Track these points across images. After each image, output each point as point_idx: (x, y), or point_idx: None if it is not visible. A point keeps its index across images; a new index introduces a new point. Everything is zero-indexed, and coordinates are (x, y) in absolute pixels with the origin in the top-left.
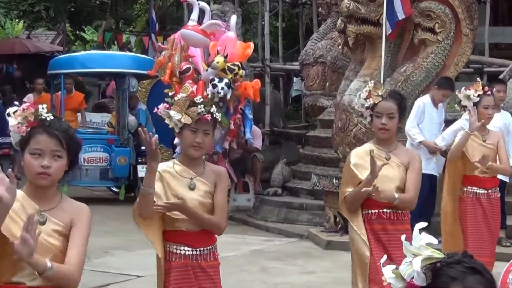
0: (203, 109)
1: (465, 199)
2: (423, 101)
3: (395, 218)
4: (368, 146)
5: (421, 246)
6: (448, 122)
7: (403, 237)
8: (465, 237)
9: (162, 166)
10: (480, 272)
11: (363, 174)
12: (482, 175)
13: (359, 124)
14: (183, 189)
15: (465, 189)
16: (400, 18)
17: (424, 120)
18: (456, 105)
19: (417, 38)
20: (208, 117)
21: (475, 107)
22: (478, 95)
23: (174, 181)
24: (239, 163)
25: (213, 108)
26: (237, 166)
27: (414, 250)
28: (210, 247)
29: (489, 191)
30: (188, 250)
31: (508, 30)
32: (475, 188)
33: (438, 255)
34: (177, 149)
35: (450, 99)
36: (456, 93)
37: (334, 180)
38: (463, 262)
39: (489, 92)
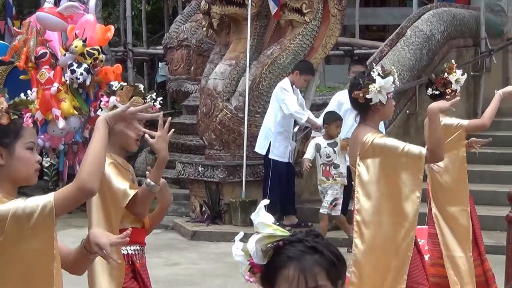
0: (149, 99)
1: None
2: (286, 86)
3: None
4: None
5: (260, 223)
6: (318, 106)
7: (253, 215)
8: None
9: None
10: (321, 252)
11: None
12: None
13: (224, 109)
14: (128, 183)
15: None
16: None
17: None
18: (429, 91)
19: (284, 19)
20: (157, 108)
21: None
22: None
23: (121, 174)
24: None
25: (157, 97)
26: None
27: (257, 227)
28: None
29: None
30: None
31: (379, 11)
32: None
33: (282, 233)
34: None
35: (320, 82)
36: (449, 75)
37: (199, 168)
38: (304, 240)
39: None
